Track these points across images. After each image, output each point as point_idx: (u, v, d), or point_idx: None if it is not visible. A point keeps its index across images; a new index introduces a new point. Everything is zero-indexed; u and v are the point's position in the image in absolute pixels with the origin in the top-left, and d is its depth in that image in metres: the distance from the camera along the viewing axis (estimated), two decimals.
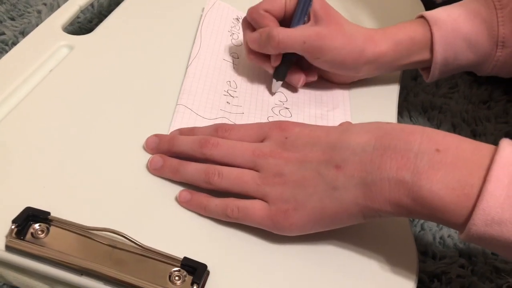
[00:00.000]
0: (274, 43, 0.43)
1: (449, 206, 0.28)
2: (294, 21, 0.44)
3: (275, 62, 0.45)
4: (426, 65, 0.48)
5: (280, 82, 0.47)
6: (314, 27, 0.43)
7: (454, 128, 0.56)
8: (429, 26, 0.45)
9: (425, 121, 0.56)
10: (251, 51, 0.46)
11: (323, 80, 0.49)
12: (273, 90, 0.47)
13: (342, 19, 0.45)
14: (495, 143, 0.30)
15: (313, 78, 0.48)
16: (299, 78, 0.47)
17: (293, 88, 0.48)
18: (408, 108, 0.57)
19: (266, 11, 0.45)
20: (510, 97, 0.60)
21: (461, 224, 0.29)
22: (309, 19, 0.44)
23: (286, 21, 0.45)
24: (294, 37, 0.43)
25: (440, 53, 0.45)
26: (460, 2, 0.47)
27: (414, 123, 0.56)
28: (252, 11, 0.45)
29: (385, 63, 0.46)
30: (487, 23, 0.44)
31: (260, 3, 0.45)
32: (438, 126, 0.56)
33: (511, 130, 0.56)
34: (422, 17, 0.46)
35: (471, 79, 0.62)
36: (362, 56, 0.45)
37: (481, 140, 0.30)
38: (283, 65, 0.46)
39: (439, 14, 0.45)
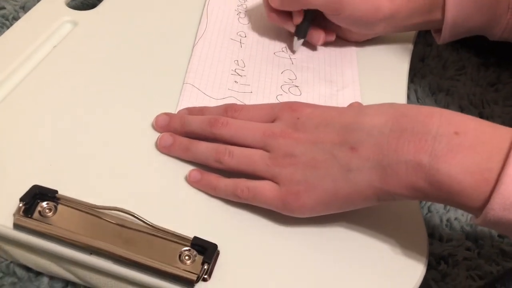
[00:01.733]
0: None
1: (467, 190, 0.28)
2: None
3: (297, 19, 0.47)
4: (438, 26, 0.48)
5: (302, 41, 0.48)
6: None
7: (462, 111, 0.55)
8: None
9: (432, 103, 0.56)
10: (272, 10, 0.47)
11: (333, 57, 0.49)
12: (294, 49, 0.49)
13: None
14: (504, 126, 0.29)
15: (332, 37, 0.49)
16: (319, 36, 0.48)
17: (302, 65, 0.47)
18: (416, 90, 0.57)
19: None
20: None
21: (478, 208, 0.28)
22: None
23: None
24: None
25: (451, 12, 0.46)
26: None
27: (421, 105, 0.56)
28: None
29: (400, 19, 0.47)
30: None
31: None
32: (445, 108, 0.56)
33: None
34: None
35: (478, 61, 0.61)
36: (379, 12, 0.46)
37: None
38: (305, 22, 0.47)
39: None
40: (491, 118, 0.55)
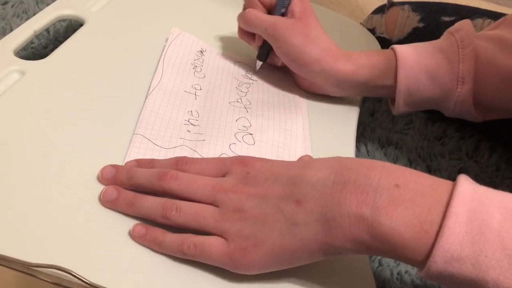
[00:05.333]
0: (242, 18, 0.51)
1: (409, 243, 0.28)
2: (274, 10, 0.51)
3: (258, 42, 0.52)
4: (389, 93, 0.51)
5: (261, 63, 0.53)
6: (281, 19, 0.49)
7: (410, 164, 0.57)
8: (395, 56, 0.48)
9: (382, 156, 0.57)
10: (240, 29, 0.52)
11: (287, 107, 0.50)
12: (256, 69, 0.54)
13: (314, 25, 0.49)
14: (450, 178, 0.30)
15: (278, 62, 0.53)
16: (278, 60, 0.52)
17: (257, 113, 0.48)
18: (365, 143, 0.58)
19: None
20: (462, 134, 0.62)
21: (421, 262, 0.28)
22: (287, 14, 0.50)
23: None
24: (259, 20, 0.49)
25: (403, 81, 0.48)
26: (429, 41, 0.50)
27: (371, 158, 0.57)
28: None
29: (344, 82, 0.50)
30: (450, 59, 0.47)
31: None
32: (394, 161, 0.57)
33: (464, 166, 0.57)
34: (391, 49, 0.50)
35: (425, 116, 0.64)
36: (317, 64, 0.49)
37: (436, 176, 0.30)
38: (265, 46, 0.51)
39: (406, 47, 0.49)
40: (438, 171, 0.56)
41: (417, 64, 0.48)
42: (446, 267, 0.27)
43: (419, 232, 0.28)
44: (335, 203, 0.30)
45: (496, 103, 0.48)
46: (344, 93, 0.52)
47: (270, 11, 0.52)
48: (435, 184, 0.30)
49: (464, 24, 0.48)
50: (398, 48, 0.49)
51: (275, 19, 0.49)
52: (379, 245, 0.29)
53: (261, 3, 0.51)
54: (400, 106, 0.50)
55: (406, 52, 0.48)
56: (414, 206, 0.29)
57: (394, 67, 0.48)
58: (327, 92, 0.52)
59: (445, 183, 0.30)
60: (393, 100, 0.51)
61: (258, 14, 0.50)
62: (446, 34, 0.49)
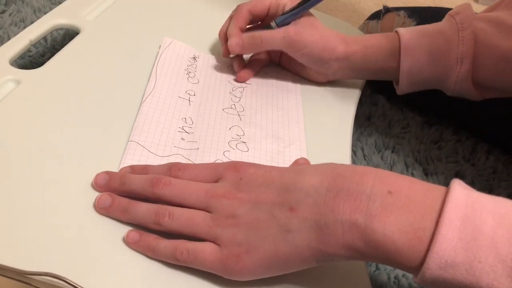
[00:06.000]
0: (258, 42, 0.51)
1: (402, 249, 0.28)
2: (279, 19, 0.52)
3: (238, 69, 0.54)
4: (394, 75, 0.53)
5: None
6: (290, 27, 0.51)
7: (407, 168, 0.57)
8: (399, 38, 0.51)
9: (378, 160, 0.57)
10: (227, 49, 0.52)
11: (280, 114, 0.50)
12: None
13: (318, 23, 0.52)
14: (446, 182, 0.30)
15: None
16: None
17: (250, 121, 0.48)
18: (362, 147, 0.58)
19: (249, 10, 0.52)
20: (459, 137, 0.62)
21: (415, 268, 0.28)
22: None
23: (265, 22, 0.54)
24: (275, 36, 0.51)
25: (406, 63, 0.50)
26: (431, 24, 0.52)
27: (368, 162, 0.57)
28: (237, 8, 0.53)
29: (355, 62, 0.53)
30: (450, 41, 0.49)
31: (247, 2, 0.53)
32: (391, 165, 0.57)
33: (461, 170, 0.57)
34: (395, 31, 0.53)
35: (422, 120, 0.64)
36: (335, 52, 0.52)
37: (433, 180, 0.30)
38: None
39: (409, 30, 0.52)
40: (435, 175, 0.56)
41: (418, 45, 0.50)
42: (440, 273, 0.27)
43: (412, 239, 0.28)
44: (328, 210, 0.30)
45: (494, 83, 0.49)
46: (356, 75, 0.55)
47: (253, 22, 0.54)
48: (428, 191, 0.30)
49: (464, 7, 0.50)
50: (402, 30, 0.51)
51: (285, 29, 0.51)
52: (373, 252, 0.29)
53: (252, 16, 0.53)
54: (403, 86, 0.53)
55: (409, 34, 0.51)
56: (407, 213, 0.29)
57: (397, 49, 0.51)
58: (338, 77, 0.56)
59: (438, 189, 0.30)
60: (397, 80, 0.53)
61: (268, 32, 0.51)
62: (447, 17, 0.51)
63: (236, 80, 0.54)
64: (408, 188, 0.30)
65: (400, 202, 0.29)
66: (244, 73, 0.54)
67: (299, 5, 0.51)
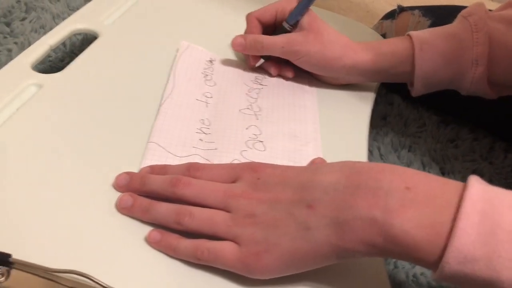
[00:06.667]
0: (259, 47, 0.51)
1: (421, 244, 0.28)
2: (290, 18, 0.52)
3: (253, 62, 0.54)
4: (408, 78, 0.53)
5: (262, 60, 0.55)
6: (293, 35, 0.51)
7: (424, 167, 0.57)
8: (412, 42, 0.50)
9: (395, 159, 0.57)
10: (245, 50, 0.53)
11: (297, 113, 0.50)
12: (256, 65, 0.55)
13: (325, 29, 0.52)
14: (464, 181, 0.30)
15: (290, 74, 0.55)
16: (290, 72, 0.55)
17: (267, 121, 0.48)
18: (379, 147, 0.58)
19: (257, 18, 0.53)
20: (476, 135, 0.62)
21: (434, 263, 0.28)
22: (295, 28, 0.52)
23: (274, 27, 0.54)
24: (275, 43, 0.51)
25: (420, 66, 0.50)
26: (443, 26, 0.52)
27: (384, 162, 0.57)
28: (247, 16, 0.54)
29: (365, 71, 0.53)
30: (464, 43, 0.49)
31: (256, 10, 0.54)
32: (408, 165, 0.57)
33: (478, 168, 0.57)
34: (408, 35, 0.52)
35: (438, 119, 0.64)
36: (338, 62, 0.52)
37: (450, 179, 0.31)
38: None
39: (422, 33, 0.51)
40: (452, 174, 0.56)
41: (432, 48, 0.50)
42: (459, 268, 0.27)
43: (430, 234, 0.28)
44: (347, 206, 0.30)
45: (510, 82, 0.49)
46: (367, 80, 0.55)
47: (269, 31, 0.54)
48: (446, 186, 0.30)
49: (477, 7, 0.50)
50: (415, 34, 0.51)
51: (287, 37, 0.51)
52: (392, 247, 0.29)
53: (261, 23, 0.54)
54: (418, 88, 0.52)
55: (422, 37, 0.50)
56: (425, 207, 0.29)
57: (411, 53, 0.50)
58: (351, 82, 0.56)
59: (456, 184, 0.30)
60: (411, 82, 0.53)
61: (269, 39, 0.51)
62: (459, 18, 0.51)
63: (249, 65, 0.55)
64: (425, 183, 0.30)
65: (418, 198, 0.29)
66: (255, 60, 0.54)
67: None
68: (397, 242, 0.29)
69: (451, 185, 0.30)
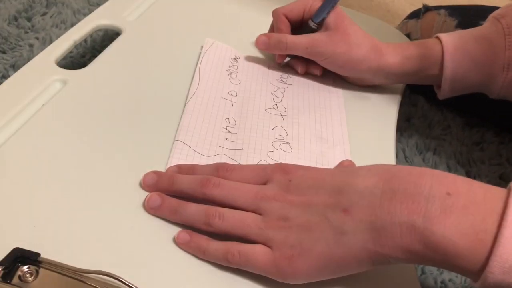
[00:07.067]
0: (282, 47, 0.51)
1: (463, 252, 0.27)
2: (316, 17, 0.51)
3: (280, 59, 0.54)
4: (435, 81, 0.51)
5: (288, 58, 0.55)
6: (318, 35, 0.50)
7: (450, 170, 0.56)
8: (442, 45, 0.49)
9: (420, 162, 0.56)
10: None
11: (323, 115, 0.50)
12: (282, 63, 0.55)
13: (352, 29, 0.50)
14: (491, 184, 0.29)
15: (317, 72, 0.54)
16: (318, 70, 0.54)
17: (293, 121, 0.48)
18: (403, 149, 0.57)
19: (284, 15, 0.52)
20: (502, 138, 0.61)
21: (477, 272, 0.28)
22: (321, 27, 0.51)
23: (301, 24, 0.53)
24: (299, 43, 0.50)
25: (449, 70, 0.49)
26: (473, 28, 0.50)
27: (410, 164, 0.56)
28: (274, 12, 0.53)
29: (392, 74, 0.52)
30: (496, 47, 0.47)
31: (283, 6, 0.53)
32: (433, 168, 0.56)
33: (505, 172, 0.56)
34: (436, 37, 0.51)
35: (463, 121, 0.63)
36: (364, 64, 0.50)
37: None
38: None
39: (451, 35, 0.50)
40: (478, 177, 0.55)
41: (462, 51, 0.48)
42: (504, 278, 0.26)
43: (473, 241, 0.27)
44: (384, 212, 0.30)
45: None
46: (393, 82, 0.54)
47: (296, 27, 0.53)
48: (488, 192, 0.29)
49: (510, 9, 0.48)
50: (444, 37, 0.50)
51: (312, 37, 0.50)
52: (432, 255, 0.28)
53: (289, 20, 0.53)
54: (446, 91, 0.51)
55: (452, 40, 0.49)
56: (468, 214, 0.28)
57: (440, 56, 0.49)
58: (376, 83, 0.54)
59: (499, 191, 0.29)
60: (439, 85, 0.51)
61: (294, 38, 0.51)
62: (491, 19, 0.49)
63: (276, 61, 0.54)
64: (467, 189, 0.29)
65: (459, 204, 0.28)
66: (281, 57, 0.54)
67: None
68: (438, 249, 0.28)
69: (494, 192, 0.29)
